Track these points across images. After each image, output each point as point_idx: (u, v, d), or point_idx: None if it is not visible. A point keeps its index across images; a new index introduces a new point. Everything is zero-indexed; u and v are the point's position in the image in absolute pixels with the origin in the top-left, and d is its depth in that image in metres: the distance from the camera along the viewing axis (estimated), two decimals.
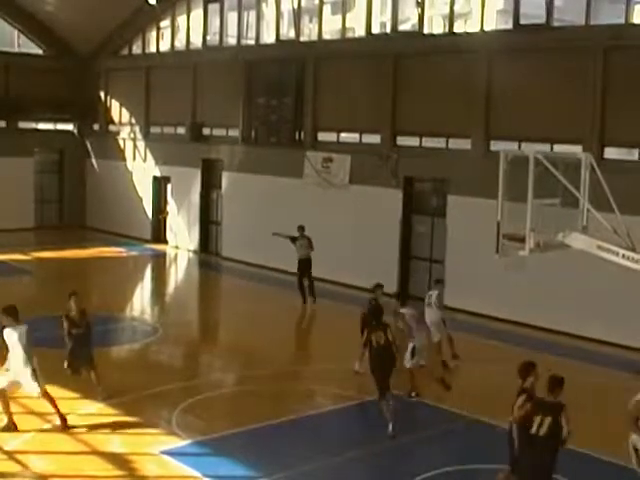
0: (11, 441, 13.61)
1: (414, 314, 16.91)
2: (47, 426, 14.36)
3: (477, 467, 13.20)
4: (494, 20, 25.23)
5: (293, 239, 24.89)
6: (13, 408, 14.82)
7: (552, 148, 21.98)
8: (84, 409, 15.23)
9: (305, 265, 24.86)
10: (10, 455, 13.15)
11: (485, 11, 24.49)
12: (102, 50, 38.10)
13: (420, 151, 25.98)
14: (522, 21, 23.43)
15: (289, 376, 18.17)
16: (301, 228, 24.98)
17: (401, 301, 19.67)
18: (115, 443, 13.91)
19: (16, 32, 37.63)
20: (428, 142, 25.99)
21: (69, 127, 39.68)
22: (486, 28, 24.46)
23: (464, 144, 24.82)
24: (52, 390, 16.00)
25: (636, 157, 21.38)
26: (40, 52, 38.38)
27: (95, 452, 13.45)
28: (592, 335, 21.17)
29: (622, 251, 12.29)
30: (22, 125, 38.09)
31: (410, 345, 16.43)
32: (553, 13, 22.70)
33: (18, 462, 12.92)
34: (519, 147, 22.55)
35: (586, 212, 13.02)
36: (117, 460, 13.14)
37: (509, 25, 23.98)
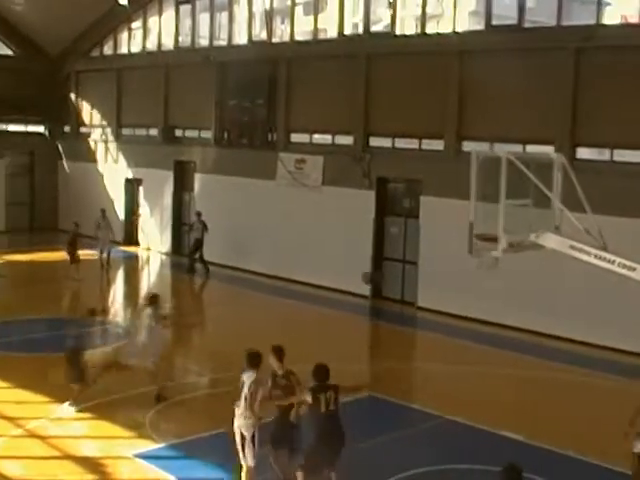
0: None
1: None
2: (19, 431, 14.24)
3: (452, 467, 13.19)
4: (466, 21, 25.24)
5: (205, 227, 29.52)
6: None
7: (524, 149, 22.04)
8: (56, 413, 15.10)
9: (199, 244, 29.57)
10: None
11: (457, 12, 24.55)
12: (73, 51, 37.85)
13: (393, 152, 26.01)
14: (494, 22, 23.53)
15: None
16: (198, 214, 29.63)
17: None
18: (88, 447, 13.80)
19: None
20: (401, 143, 25.99)
21: (40, 129, 39.39)
22: (458, 29, 24.52)
23: (437, 145, 24.85)
24: (24, 395, 15.96)
25: (608, 157, 21.50)
26: (10, 53, 38.07)
27: (68, 456, 13.33)
28: (565, 335, 21.27)
29: (594, 251, 12.29)
30: None
31: None
32: (525, 14, 22.82)
33: None
34: (491, 148, 22.61)
35: (559, 212, 13.04)
36: (90, 464, 13.03)
37: (481, 26, 24.03)
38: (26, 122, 39.05)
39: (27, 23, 36.98)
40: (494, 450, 13.79)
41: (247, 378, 11.56)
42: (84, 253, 28.95)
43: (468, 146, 23.40)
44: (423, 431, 15.20)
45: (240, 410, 11.57)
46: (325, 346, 20.55)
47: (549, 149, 21.02)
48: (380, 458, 13.69)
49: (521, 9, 22.75)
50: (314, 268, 27.26)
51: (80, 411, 15.13)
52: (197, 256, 29.82)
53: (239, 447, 11.67)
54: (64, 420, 14.87)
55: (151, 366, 15.99)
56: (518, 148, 21.74)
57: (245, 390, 11.50)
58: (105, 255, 29.45)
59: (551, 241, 12.84)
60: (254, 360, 11.68)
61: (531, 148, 21.97)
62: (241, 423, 11.57)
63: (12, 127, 39.05)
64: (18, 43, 37.87)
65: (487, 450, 13.86)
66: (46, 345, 20.01)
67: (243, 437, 11.58)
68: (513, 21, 23.01)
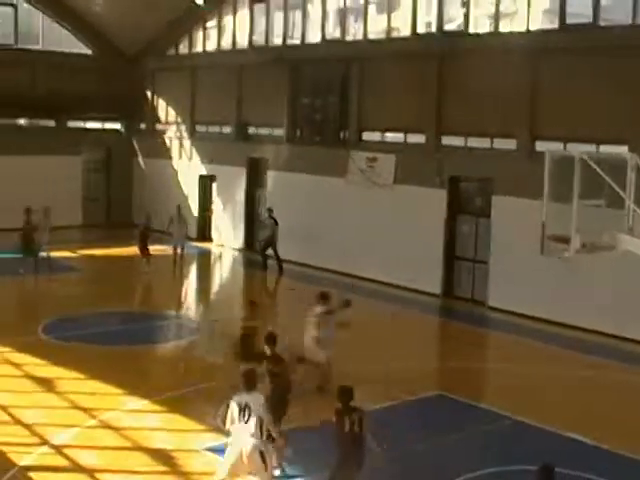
0: (58, 436, 13.86)
1: None
2: (93, 422, 14.58)
3: (519, 468, 13.12)
4: (540, 20, 25.00)
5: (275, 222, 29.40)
6: (59, 402, 15.17)
7: (598, 148, 21.81)
8: (129, 405, 15.42)
9: (271, 240, 29.26)
10: (57, 449, 13.40)
11: (531, 10, 24.37)
12: (149, 50, 38.42)
13: (465, 151, 25.91)
14: (568, 21, 23.28)
15: (342, 376, 17.97)
16: (270, 210, 29.57)
17: None
18: (159, 439, 14.06)
19: (65, 32, 38.11)
20: (473, 142, 25.90)
21: (117, 126, 40.13)
22: (532, 28, 24.33)
23: (509, 144, 24.70)
24: (97, 387, 16.32)
25: None
26: (89, 52, 38.82)
27: (140, 448, 13.64)
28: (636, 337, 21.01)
29: None
30: (71, 124, 38.62)
31: None
32: (599, 12, 22.54)
33: (65, 456, 13.16)
34: (564, 147, 22.41)
35: (632, 213, 12.91)
36: (161, 456, 13.31)
37: (555, 25, 23.80)
38: (103, 119, 39.82)
39: (105, 24, 37.68)
40: (562, 452, 13.69)
41: (253, 402, 11.11)
42: (157, 248, 29.42)
43: (541, 145, 23.24)
44: (491, 431, 15.15)
45: (259, 434, 11.10)
46: (395, 344, 20.60)
47: (623, 149, 20.76)
48: (447, 458, 13.70)
49: (596, 7, 22.48)
50: (385, 266, 27.28)
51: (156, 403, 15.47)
52: (270, 253, 29.89)
53: (252, 471, 11.26)
54: (137, 412, 15.18)
55: (324, 359, 16.45)
56: (591, 148, 21.50)
57: (261, 412, 11.08)
58: (179, 251, 29.80)
59: (624, 242, 12.73)
60: (252, 379, 11.43)
61: (604, 148, 21.72)
62: (259, 447, 11.10)
63: (90, 124, 39.80)
64: (96, 43, 38.58)
65: (555, 452, 13.67)
66: (118, 337, 20.47)
67: (263, 459, 11.10)
68: (587, 20, 22.74)
